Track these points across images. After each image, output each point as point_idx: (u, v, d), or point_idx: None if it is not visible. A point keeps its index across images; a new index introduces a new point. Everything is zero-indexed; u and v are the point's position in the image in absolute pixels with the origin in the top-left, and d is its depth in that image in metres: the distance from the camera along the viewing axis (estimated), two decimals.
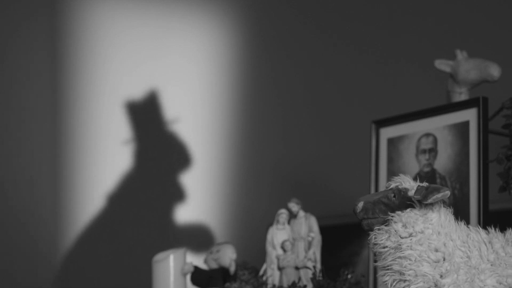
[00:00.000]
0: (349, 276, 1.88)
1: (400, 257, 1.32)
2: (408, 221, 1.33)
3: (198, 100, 3.04)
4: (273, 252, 1.98)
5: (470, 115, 1.89)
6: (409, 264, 1.31)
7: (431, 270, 1.30)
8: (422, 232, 1.33)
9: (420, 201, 1.33)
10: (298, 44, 2.91)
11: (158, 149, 3.06)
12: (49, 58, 3.12)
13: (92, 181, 3.11)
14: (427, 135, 1.97)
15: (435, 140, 1.95)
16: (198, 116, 3.03)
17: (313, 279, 1.90)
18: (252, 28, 3.01)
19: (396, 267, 1.32)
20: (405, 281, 1.31)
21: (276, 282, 1.97)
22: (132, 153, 3.05)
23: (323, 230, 1.98)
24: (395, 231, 1.33)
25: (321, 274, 1.91)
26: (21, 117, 3.06)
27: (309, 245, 1.96)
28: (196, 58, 3.04)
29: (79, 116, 3.11)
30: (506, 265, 1.34)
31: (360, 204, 1.36)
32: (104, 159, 3.10)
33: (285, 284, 1.94)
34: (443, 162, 1.93)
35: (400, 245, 1.32)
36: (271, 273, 1.98)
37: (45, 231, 3.09)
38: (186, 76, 3.06)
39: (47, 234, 3.09)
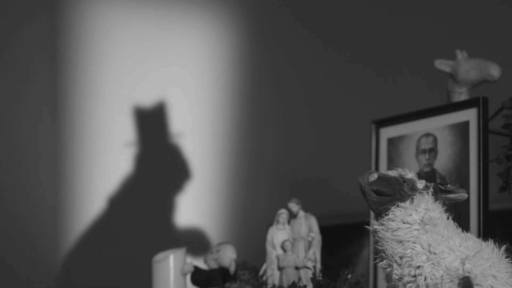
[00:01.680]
0: (349, 276, 1.88)
1: (427, 233, 1.34)
2: (429, 206, 1.36)
3: (198, 100, 3.04)
4: (273, 252, 1.98)
5: (470, 115, 1.89)
6: (441, 240, 1.33)
7: (459, 247, 1.33)
8: (440, 218, 1.36)
9: (441, 193, 1.37)
10: (298, 44, 2.91)
11: (157, 149, 3.05)
12: (49, 58, 3.12)
13: (92, 181, 3.11)
14: (427, 135, 1.97)
15: (435, 140, 1.95)
16: (198, 116, 3.03)
17: (313, 279, 1.90)
18: (252, 28, 3.01)
19: (423, 242, 1.33)
20: (431, 253, 1.32)
21: (276, 282, 1.97)
22: (132, 154, 3.05)
23: (323, 230, 1.98)
24: (418, 211, 1.35)
25: (321, 274, 1.91)
26: (21, 117, 3.06)
27: (309, 245, 1.96)
28: (196, 58, 3.04)
29: (79, 116, 3.11)
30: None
31: (375, 175, 1.37)
32: (104, 159, 3.10)
33: (285, 284, 1.94)
34: (443, 162, 1.93)
35: (426, 224, 1.34)
36: (271, 273, 1.98)
37: (45, 232, 3.09)
38: (186, 76, 3.06)
39: (48, 235, 3.09)
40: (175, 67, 3.07)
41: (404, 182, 1.38)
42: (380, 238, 1.37)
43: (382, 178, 1.38)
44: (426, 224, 1.35)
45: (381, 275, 1.95)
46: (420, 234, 1.35)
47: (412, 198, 1.37)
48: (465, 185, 1.86)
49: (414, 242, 1.34)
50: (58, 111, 3.12)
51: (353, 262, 2.53)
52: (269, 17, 2.99)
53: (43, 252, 3.07)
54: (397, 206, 1.37)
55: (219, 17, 3.03)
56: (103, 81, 3.11)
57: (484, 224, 1.81)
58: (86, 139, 3.11)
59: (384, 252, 1.37)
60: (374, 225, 1.38)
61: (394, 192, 1.37)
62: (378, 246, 1.38)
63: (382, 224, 1.37)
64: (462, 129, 1.90)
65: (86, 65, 3.11)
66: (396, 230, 1.35)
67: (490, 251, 1.36)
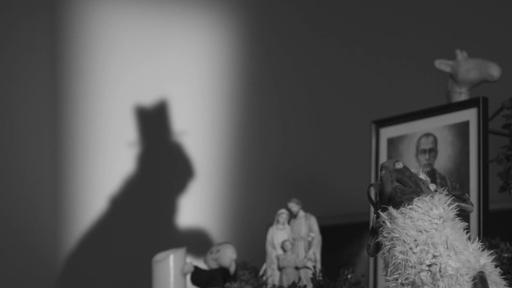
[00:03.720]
0: (349, 276, 1.88)
1: (445, 228, 1.34)
2: (446, 206, 1.36)
3: (198, 100, 3.04)
4: (273, 252, 1.98)
5: (470, 115, 1.89)
6: (459, 235, 1.33)
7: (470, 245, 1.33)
8: (453, 218, 1.36)
9: (458, 199, 1.38)
10: (298, 44, 2.91)
11: (157, 149, 3.06)
12: (49, 57, 3.12)
13: (92, 181, 3.11)
14: (427, 135, 1.97)
15: (435, 140, 1.95)
16: (198, 117, 3.03)
17: (313, 279, 1.90)
18: (252, 28, 3.01)
19: (442, 234, 1.33)
20: (450, 245, 1.32)
21: (276, 282, 1.97)
22: (132, 154, 3.05)
23: (323, 230, 1.98)
24: (438, 207, 1.35)
25: (321, 274, 1.91)
26: (21, 117, 3.06)
27: (309, 245, 1.96)
28: (196, 58, 3.04)
29: (79, 116, 3.12)
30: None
31: (401, 164, 1.37)
32: (105, 159, 3.10)
33: (285, 284, 1.94)
34: (443, 162, 1.93)
35: (444, 221, 1.34)
36: (271, 273, 1.98)
37: (45, 232, 3.09)
38: (186, 76, 3.06)
39: (48, 235, 3.09)
40: (175, 66, 3.07)
41: (422, 182, 1.39)
42: (397, 225, 1.35)
43: (407, 169, 1.38)
44: (445, 221, 1.35)
45: (382, 277, 1.95)
46: (440, 227, 1.34)
47: (432, 196, 1.36)
48: (465, 185, 1.87)
49: (434, 233, 1.33)
50: (58, 111, 3.12)
51: (353, 262, 2.53)
52: (269, 17, 2.99)
53: (43, 252, 3.07)
54: (420, 198, 1.36)
55: (219, 17, 3.03)
56: (103, 80, 3.11)
57: (484, 224, 1.81)
58: (87, 138, 3.11)
59: (399, 239, 1.34)
60: (392, 212, 1.36)
61: (416, 186, 1.37)
62: (394, 233, 1.35)
63: (402, 213, 1.35)
64: (462, 129, 1.90)
65: (86, 65, 3.11)
66: (417, 220, 1.34)
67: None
